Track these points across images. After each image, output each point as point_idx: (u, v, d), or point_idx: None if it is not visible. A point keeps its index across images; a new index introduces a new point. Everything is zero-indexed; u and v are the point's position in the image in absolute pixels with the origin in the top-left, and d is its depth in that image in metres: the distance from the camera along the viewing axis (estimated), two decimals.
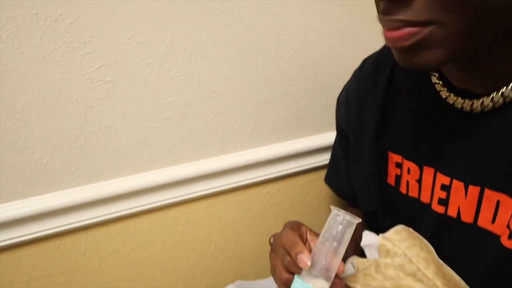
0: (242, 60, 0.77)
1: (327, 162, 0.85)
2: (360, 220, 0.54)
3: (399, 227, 0.63)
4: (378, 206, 0.67)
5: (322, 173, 0.87)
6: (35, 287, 0.70)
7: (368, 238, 0.67)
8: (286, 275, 0.55)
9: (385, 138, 0.64)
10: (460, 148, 0.55)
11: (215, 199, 0.82)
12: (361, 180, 0.70)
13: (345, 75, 0.77)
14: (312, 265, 0.52)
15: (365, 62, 0.72)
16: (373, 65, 0.68)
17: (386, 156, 0.65)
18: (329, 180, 0.84)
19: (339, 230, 0.53)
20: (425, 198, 0.60)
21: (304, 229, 0.58)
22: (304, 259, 0.51)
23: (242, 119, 0.81)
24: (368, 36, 0.88)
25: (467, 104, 0.52)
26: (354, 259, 0.65)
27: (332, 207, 0.55)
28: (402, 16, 0.43)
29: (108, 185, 0.71)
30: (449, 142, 0.56)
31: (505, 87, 0.48)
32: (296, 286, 0.52)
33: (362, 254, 0.67)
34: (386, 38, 0.46)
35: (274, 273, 0.58)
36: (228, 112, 0.79)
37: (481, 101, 0.50)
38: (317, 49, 0.85)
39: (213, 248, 0.85)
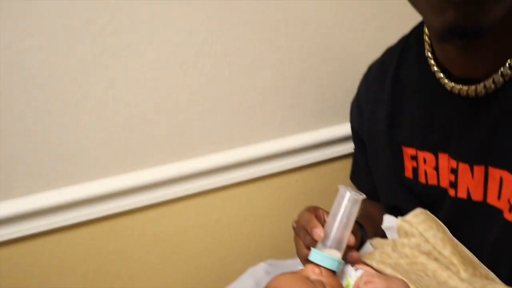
0: (270, 55, 0.83)
1: (352, 150, 0.89)
2: (364, 196, 0.60)
3: (417, 211, 0.66)
4: (400, 201, 0.70)
5: (348, 162, 0.91)
6: (90, 263, 0.79)
7: (389, 221, 0.71)
8: (306, 251, 0.61)
9: (397, 135, 0.68)
10: (463, 131, 0.58)
11: (248, 186, 0.89)
12: (380, 178, 0.74)
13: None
14: (325, 237, 0.59)
15: (371, 67, 0.77)
16: (378, 69, 0.73)
17: (401, 151, 0.68)
18: (353, 178, 0.89)
19: (346, 206, 0.60)
20: (444, 183, 0.63)
21: (320, 211, 0.64)
22: (318, 231, 0.59)
23: (271, 111, 0.87)
24: (390, 28, 0.92)
25: (471, 90, 0.55)
26: (374, 240, 0.69)
27: (339, 186, 0.61)
28: None
29: (151, 172, 0.78)
30: (454, 127, 0.59)
31: (502, 67, 0.51)
32: (312, 255, 0.59)
33: (383, 235, 0.72)
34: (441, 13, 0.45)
35: (297, 252, 0.65)
36: (258, 104, 0.85)
37: (483, 84, 0.53)
38: (340, 41, 0.89)
39: (246, 233, 0.92)
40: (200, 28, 0.76)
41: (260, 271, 0.77)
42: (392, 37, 0.73)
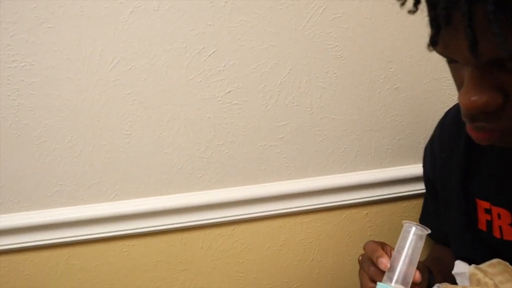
0: (351, 90, 0.85)
1: (424, 191, 0.88)
2: (429, 231, 0.60)
3: (495, 261, 0.64)
4: (472, 252, 0.68)
5: (420, 201, 0.90)
6: (160, 270, 0.84)
7: (460, 267, 0.69)
8: (370, 285, 0.61)
9: (471, 186, 0.67)
10: None
11: (317, 215, 0.90)
12: (452, 228, 0.73)
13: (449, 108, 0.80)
14: (390, 271, 0.59)
15: (447, 113, 0.75)
16: (454, 117, 0.71)
17: (475, 203, 0.67)
18: (422, 221, 0.87)
19: (411, 240, 0.60)
20: None
21: (387, 246, 0.64)
22: (384, 261, 0.58)
23: (347, 144, 0.88)
24: None
25: None
26: (443, 284, 0.68)
27: (404, 221, 0.62)
28: (489, 124, 0.45)
29: (227, 192, 0.82)
30: None
31: None
32: None
33: (453, 283, 0.70)
34: (469, 133, 0.48)
35: (361, 286, 0.64)
36: (335, 136, 0.87)
37: None
38: (423, 82, 0.89)
39: (311, 260, 0.92)
40: (286, 60, 0.80)
41: None
42: None
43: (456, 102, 0.75)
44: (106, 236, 0.79)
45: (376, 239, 0.95)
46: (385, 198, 0.93)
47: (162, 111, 0.77)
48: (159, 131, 0.77)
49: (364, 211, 0.93)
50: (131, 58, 0.73)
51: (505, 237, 0.63)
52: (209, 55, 0.76)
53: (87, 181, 0.77)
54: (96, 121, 0.74)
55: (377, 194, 0.91)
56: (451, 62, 0.47)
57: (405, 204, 0.96)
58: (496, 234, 0.64)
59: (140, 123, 0.76)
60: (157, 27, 0.73)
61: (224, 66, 0.77)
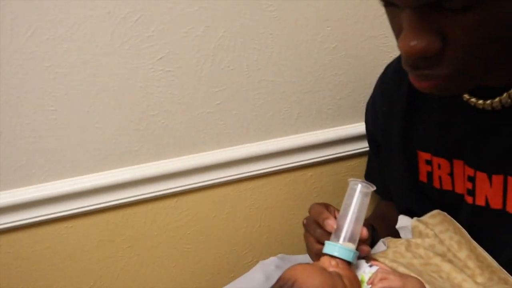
0: (288, 51, 0.83)
1: (367, 149, 0.89)
2: (374, 187, 0.60)
3: (435, 212, 0.66)
4: (414, 204, 0.70)
5: (363, 160, 0.91)
6: (103, 250, 0.80)
7: (403, 221, 0.71)
8: (317, 246, 0.62)
9: (412, 139, 0.68)
10: (480, 142, 0.58)
11: (261, 180, 0.89)
12: (394, 181, 0.74)
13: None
14: (337, 229, 0.59)
15: (388, 68, 0.76)
16: (394, 71, 0.72)
17: (416, 155, 0.68)
18: (367, 178, 0.89)
19: (357, 198, 0.60)
20: (459, 189, 0.63)
21: (331, 207, 0.64)
22: (330, 222, 0.59)
23: (287, 107, 0.87)
24: None
25: (487, 104, 0.55)
26: (387, 239, 0.69)
27: (350, 179, 0.62)
28: (431, 71, 0.45)
29: (166, 163, 0.80)
30: (471, 136, 0.59)
31: None
32: (327, 247, 0.59)
33: (397, 237, 0.72)
34: (413, 82, 0.48)
35: (308, 248, 0.65)
36: (275, 99, 0.85)
37: (499, 99, 0.53)
38: (360, 40, 0.89)
39: (258, 226, 0.92)
40: (219, 22, 0.76)
41: (270, 265, 0.78)
42: None
43: (395, 58, 0.75)
44: (40, 220, 0.74)
45: (322, 200, 0.95)
46: (328, 159, 0.93)
47: (89, 83, 0.72)
48: (87, 105, 0.72)
49: (308, 173, 0.93)
50: (48, 26, 0.67)
51: (444, 187, 0.65)
52: (136, 20, 0.71)
53: (12, 163, 0.71)
54: (16, 98, 0.68)
55: (321, 155, 0.92)
56: (388, 5, 0.46)
57: (348, 163, 0.97)
58: (436, 184, 0.66)
59: (65, 98, 0.71)
60: None
61: (153, 31, 0.73)
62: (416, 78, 0.47)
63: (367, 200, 0.61)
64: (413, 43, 0.42)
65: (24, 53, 0.67)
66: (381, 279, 0.56)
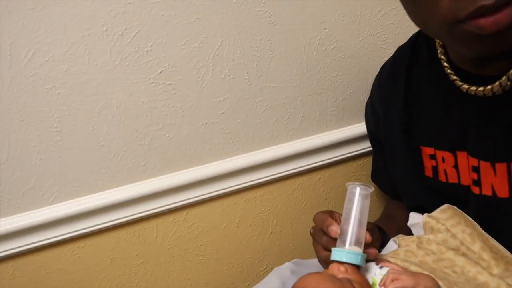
0: (287, 55, 0.83)
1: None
2: (373, 189, 0.60)
3: (444, 206, 0.66)
4: (422, 200, 0.70)
5: (371, 159, 0.91)
6: (116, 268, 0.80)
7: (414, 218, 0.71)
8: (325, 253, 0.62)
9: (414, 134, 0.68)
10: (482, 130, 0.58)
11: (270, 187, 0.89)
12: (401, 178, 0.74)
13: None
14: (342, 235, 0.59)
15: (383, 68, 0.76)
16: (390, 71, 0.72)
17: (419, 151, 0.68)
18: (374, 178, 0.88)
19: (358, 201, 0.60)
20: (465, 181, 0.63)
21: (335, 213, 0.64)
22: (334, 228, 0.59)
23: (291, 111, 0.87)
24: (408, 22, 0.90)
25: (487, 90, 0.54)
26: (398, 237, 0.69)
27: (347, 183, 0.62)
28: None
29: (173, 177, 0.79)
30: (472, 126, 0.59)
31: None
32: (334, 254, 0.59)
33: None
34: (483, 26, 0.42)
35: (317, 257, 0.66)
36: (278, 105, 0.85)
37: (499, 83, 0.53)
38: (358, 39, 0.89)
39: (270, 232, 0.92)
40: (216, 32, 0.76)
41: (285, 271, 0.77)
42: (410, 31, 0.72)
43: (389, 58, 0.75)
44: (52, 242, 0.74)
45: (332, 202, 0.96)
46: (336, 161, 0.92)
47: (91, 102, 0.72)
48: (91, 124, 0.72)
49: (316, 176, 0.92)
50: (46, 49, 0.67)
51: (450, 180, 0.65)
52: (133, 36, 0.71)
53: (20, 187, 0.71)
54: (19, 121, 0.68)
55: (327, 158, 0.91)
56: None
57: (356, 163, 0.96)
58: (442, 178, 0.66)
59: (69, 118, 0.71)
60: (72, 12, 0.67)
61: (151, 45, 0.73)
62: (486, 11, 0.41)
63: (368, 203, 0.61)
64: None
65: (25, 76, 0.67)
66: (393, 280, 0.56)
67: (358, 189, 0.61)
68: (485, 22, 0.41)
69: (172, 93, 0.76)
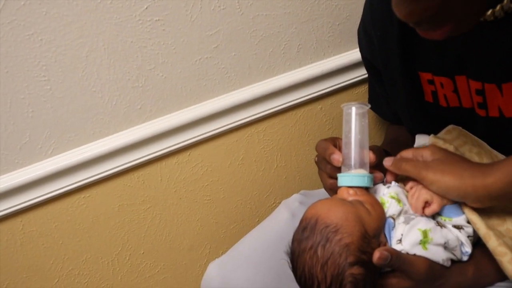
0: None
1: None
2: (369, 106, 0.59)
3: (450, 127, 0.65)
4: (424, 126, 0.69)
5: None
6: (125, 215, 0.80)
7: (421, 139, 0.70)
8: (330, 181, 0.62)
9: (412, 60, 0.66)
10: (485, 54, 0.56)
11: (271, 120, 0.87)
12: (401, 105, 0.72)
13: None
14: (345, 159, 0.58)
15: None
16: None
17: (417, 76, 0.66)
18: (372, 106, 0.86)
19: (355, 121, 0.59)
20: (466, 104, 0.62)
21: (339, 140, 0.63)
22: (336, 156, 0.58)
23: (286, 40, 0.83)
24: None
25: (488, 15, 0.52)
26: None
27: (342, 105, 0.60)
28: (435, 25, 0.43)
29: (172, 117, 0.77)
30: (471, 50, 0.57)
31: None
32: (341, 180, 0.58)
33: None
34: (422, 35, 0.46)
35: (324, 186, 0.65)
36: (272, 34, 0.81)
37: (500, 6, 0.50)
38: None
39: (275, 167, 0.91)
40: None
41: (294, 203, 0.77)
42: None
43: None
44: (57, 194, 0.73)
45: (335, 132, 0.94)
46: (336, 88, 0.90)
47: (77, 46, 0.68)
48: (80, 69, 0.69)
49: (317, 106, 0.90)
50: None
51: (451, 104, 0.64)
52: None
53: (16, 142, 0.69)
54: (4, 73, 0.65)
55: (327, 86, 0.89)
56: None
57: (357, 90, 0.94)
58: (442, 103, 0.65)
59: (55, 65, 0.67)
60: None
61: None
62: (423, 32, 0.45)
63: (366, 121, 0.59)
64: (410, 7, 0.41)
65: (2, 24, 0.63)
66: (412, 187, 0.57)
67: (353, 109, 0.59)
68: (424, 36, 0.45)
69: (161, 29, 0.72)
